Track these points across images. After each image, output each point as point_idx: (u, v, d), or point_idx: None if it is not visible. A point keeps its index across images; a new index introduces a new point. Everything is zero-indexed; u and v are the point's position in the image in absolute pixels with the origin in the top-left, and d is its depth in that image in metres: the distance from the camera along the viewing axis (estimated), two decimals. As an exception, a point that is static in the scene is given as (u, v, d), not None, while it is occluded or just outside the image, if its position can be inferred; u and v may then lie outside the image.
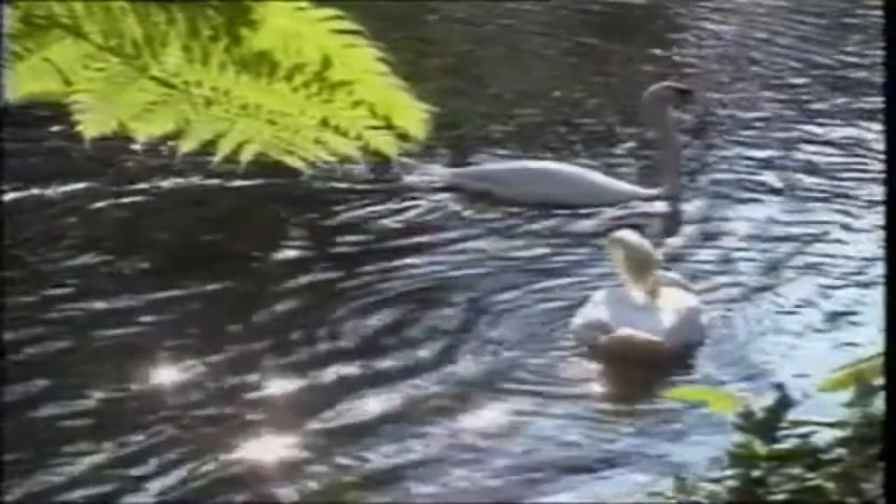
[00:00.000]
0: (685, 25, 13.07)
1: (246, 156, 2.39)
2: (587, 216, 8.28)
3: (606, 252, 6.94)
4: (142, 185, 8.45)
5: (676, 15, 13.42)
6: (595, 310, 6.59)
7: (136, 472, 5.50)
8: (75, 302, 6.97)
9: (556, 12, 13.26)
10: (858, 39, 12.21)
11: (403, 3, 12.69)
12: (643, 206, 8.41)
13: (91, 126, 2.47)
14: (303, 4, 2.18)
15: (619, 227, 7.41)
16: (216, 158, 2.43)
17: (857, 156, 9.32)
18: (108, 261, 7.48)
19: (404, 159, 8.67)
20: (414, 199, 8.47)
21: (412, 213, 8.31)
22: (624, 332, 6.38)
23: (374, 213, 8.28)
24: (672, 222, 8.32)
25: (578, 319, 6.64)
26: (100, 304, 6.94)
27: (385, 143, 2.14)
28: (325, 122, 2.20)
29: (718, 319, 6.87)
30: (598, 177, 8.60)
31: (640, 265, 6.71)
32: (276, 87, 2.19)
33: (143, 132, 2.46)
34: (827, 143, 9.64)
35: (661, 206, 8.45)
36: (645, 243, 6.84)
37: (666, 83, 8.92)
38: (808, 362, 6.02)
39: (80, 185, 8.41)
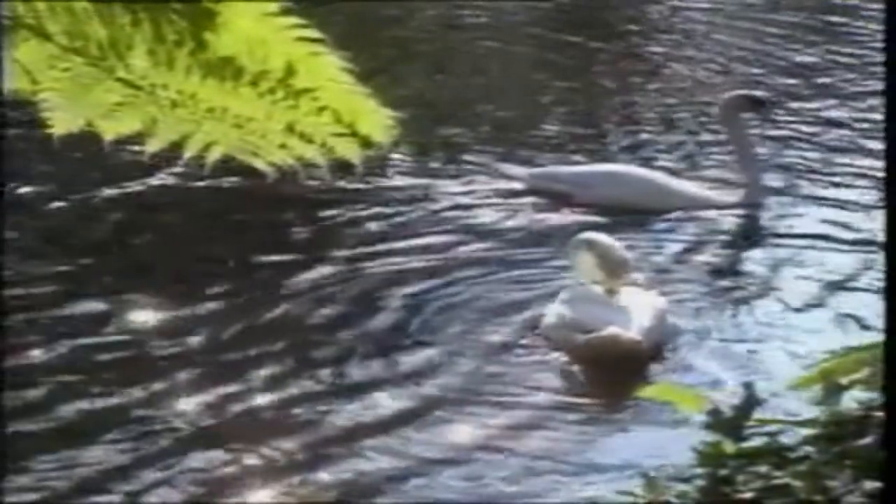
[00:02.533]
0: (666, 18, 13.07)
1: (213, 157, 2.40)
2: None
3: (570, 253, 6.84)
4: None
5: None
6: (567, 309, 6.53)
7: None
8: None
9: (535, 9, 13.21)
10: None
11: (378, 4, 12.63)
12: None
13: (59, 124, 2.48)
14: (271, 8, 2.18)
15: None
16: (184, 158, 2.45)
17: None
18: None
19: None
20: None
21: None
22: (611, 331, 6.32)
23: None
24: (751, 229, 8.25)
25: (550, 319, 6.57)
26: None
27: (350, 149, 2.14)
28: (290, 128, 2.20)
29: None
30: (679, 182, 8.55)
31: (615, 268, 6.66)
32: (242, 92, 2.19)
33: (111, 132, 2.46)
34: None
35: (738, 213, 8.39)
36: (619, 246, 6.79)
37: (740, 91, 8.93)
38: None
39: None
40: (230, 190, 8.15)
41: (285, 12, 2.09)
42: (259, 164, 2.34)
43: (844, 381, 2.89)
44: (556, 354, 6.48)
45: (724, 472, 2.82)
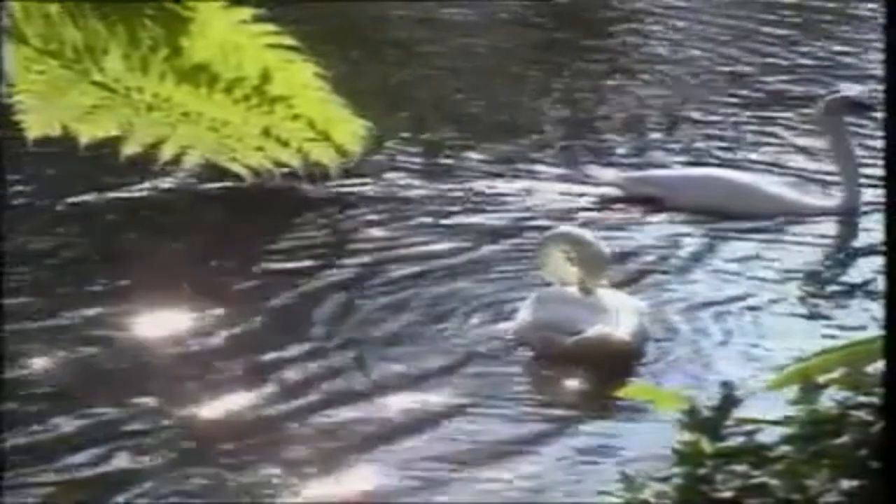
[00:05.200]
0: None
1: (189, 161, 2.39)
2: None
3: (544, 248, 6.69)
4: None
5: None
6: (542, 311, 6.41)
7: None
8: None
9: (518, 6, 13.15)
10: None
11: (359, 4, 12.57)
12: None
13: (34, 126, 2.48)
14: (245, 15, 2.18)
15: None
16: (161, 161, 2.45)
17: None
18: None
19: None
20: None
21: None
22: (601, 331, 6.23)
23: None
24: (849, 235, 8.09)
25: (525, 321, 6.44)
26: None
27: (325, 155, 2.14)
28: (266, 132, 2.20)
29: None
30: (772, 186, 8.41)
31: (596, 264, 6.51)
32: (217, 98, 2.19)
33: (87, 134, 2.46)
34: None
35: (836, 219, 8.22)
36: (601, 242, 6.65)
37: (841, 94, 8.78)
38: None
39: None
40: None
41: (260, 19, 2.09)
42: (236, 167, 2.34)
43: (822, 380, 2.89)
44: (532, 356, 6.43)
45: (702, 471, 2.82)
